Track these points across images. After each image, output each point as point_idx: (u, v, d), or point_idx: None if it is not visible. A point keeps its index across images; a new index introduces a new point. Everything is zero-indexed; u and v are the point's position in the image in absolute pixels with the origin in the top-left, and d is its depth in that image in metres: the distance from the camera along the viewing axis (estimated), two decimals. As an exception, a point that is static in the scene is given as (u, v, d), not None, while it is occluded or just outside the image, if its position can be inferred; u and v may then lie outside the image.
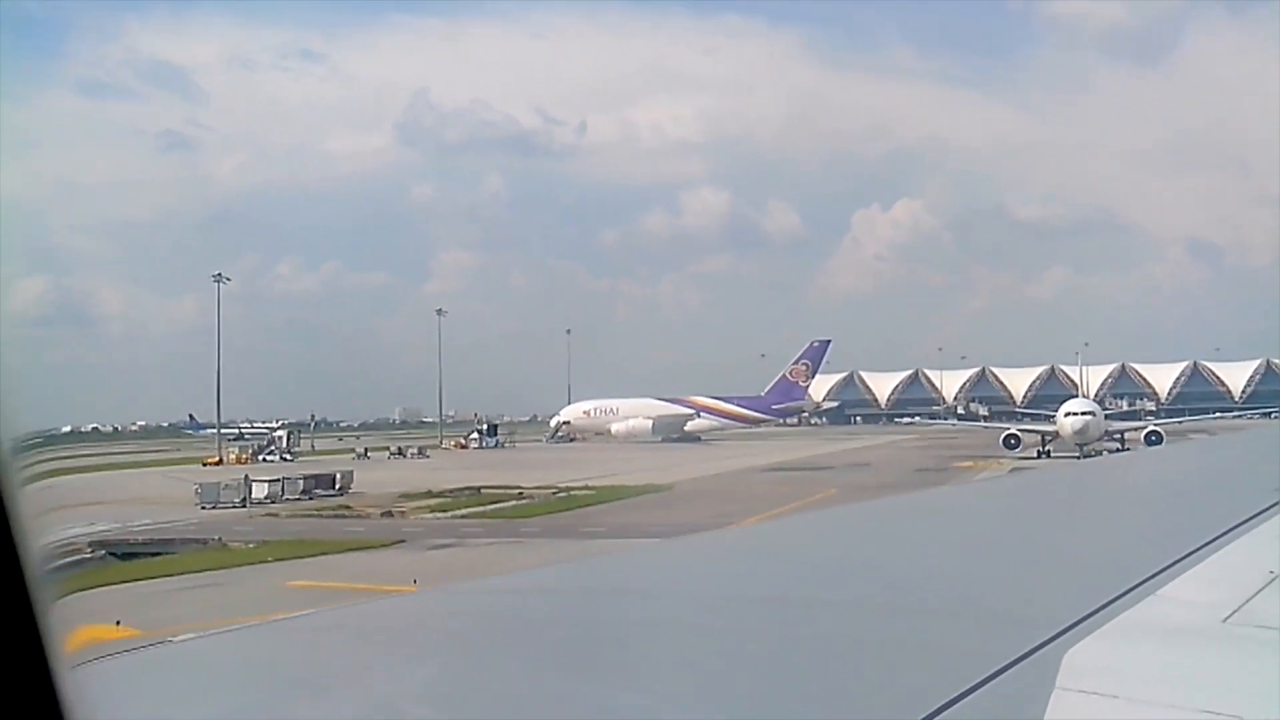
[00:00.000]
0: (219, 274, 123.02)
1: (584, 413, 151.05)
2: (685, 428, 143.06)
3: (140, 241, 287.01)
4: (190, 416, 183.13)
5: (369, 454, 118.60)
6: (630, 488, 65.45)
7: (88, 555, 45.07)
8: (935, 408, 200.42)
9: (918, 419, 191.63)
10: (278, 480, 64.45)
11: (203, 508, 59.54)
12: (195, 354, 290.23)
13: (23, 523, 1.31)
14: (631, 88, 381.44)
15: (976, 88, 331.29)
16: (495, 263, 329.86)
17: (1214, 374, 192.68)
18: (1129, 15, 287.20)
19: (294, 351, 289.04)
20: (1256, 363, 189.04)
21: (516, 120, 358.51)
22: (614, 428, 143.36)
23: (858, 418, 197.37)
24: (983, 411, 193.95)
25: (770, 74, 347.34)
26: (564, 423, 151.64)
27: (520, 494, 65.74)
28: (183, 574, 37.51)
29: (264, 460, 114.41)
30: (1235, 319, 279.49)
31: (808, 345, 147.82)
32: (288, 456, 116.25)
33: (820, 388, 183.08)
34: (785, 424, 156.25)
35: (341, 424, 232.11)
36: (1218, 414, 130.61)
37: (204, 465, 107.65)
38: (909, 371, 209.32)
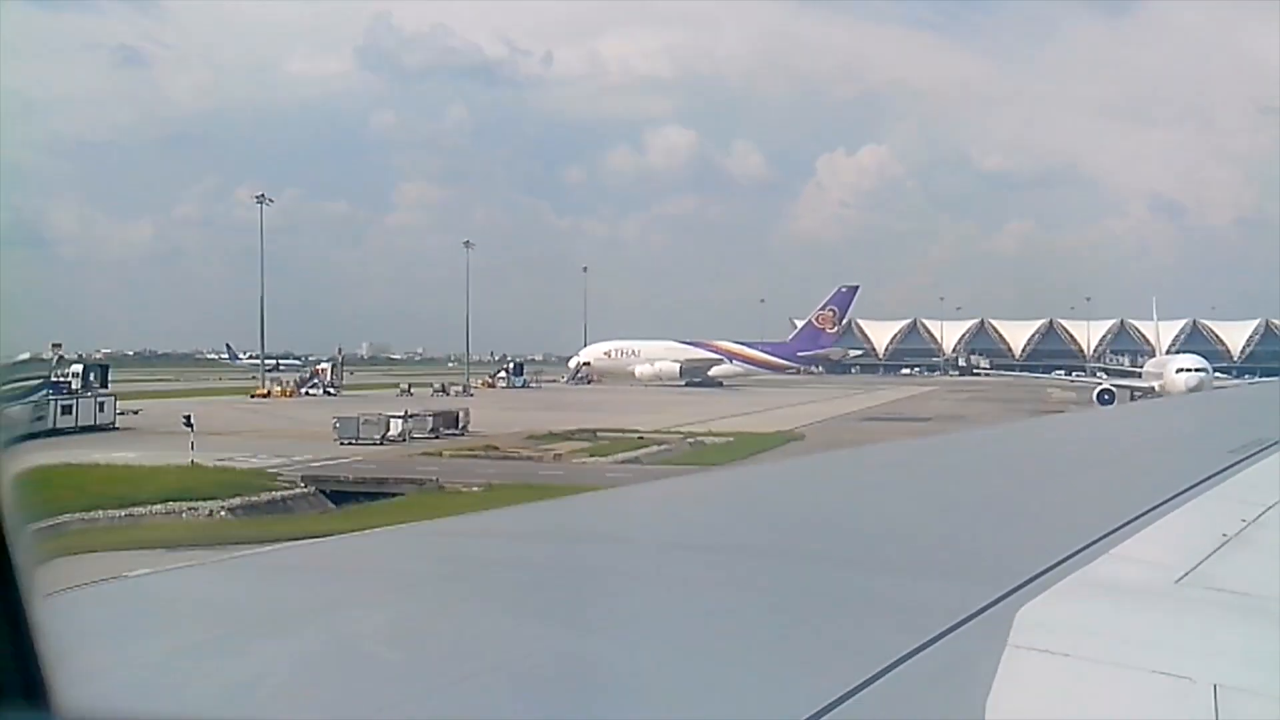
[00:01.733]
0: (261, 195, 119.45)
1: (604, 354, 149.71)
2: (710, 372, 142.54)
3: (95, 160, 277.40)
4: (227, 346, 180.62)
5: (411, 390, 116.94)
6: (765, 435, 64.96)
7: (303, 490, 43.86)
8: (934, 359, 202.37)
9: (919, 369, 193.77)
10: (410, 417, 63.01)
11: (341, 443, 58.26)
12: (154, 279, 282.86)
13: None
14: (600, 19, 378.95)
15: (946, 33, 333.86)
16: (458, 197, 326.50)
17: (1213, 333, 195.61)
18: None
19: (253, 281, 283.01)
20: (1255, 323, 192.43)
21: (480, 48, 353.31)
22: (638, 370, 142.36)
23: (855, 368, 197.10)
24: (984, 364, 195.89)
25: (740, 10, 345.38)
26: (584, 363, 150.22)
27: (640, 437, 65.14)
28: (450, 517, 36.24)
29: (306, 394, 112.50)
30: (1210, 278, 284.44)
31: (834, 291, 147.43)
32: (331, 390, 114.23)
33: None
34: (788, 373, 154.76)
35: (310, 358, 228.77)
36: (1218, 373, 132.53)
37: (251, 397, 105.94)
38: (907, 321, 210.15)
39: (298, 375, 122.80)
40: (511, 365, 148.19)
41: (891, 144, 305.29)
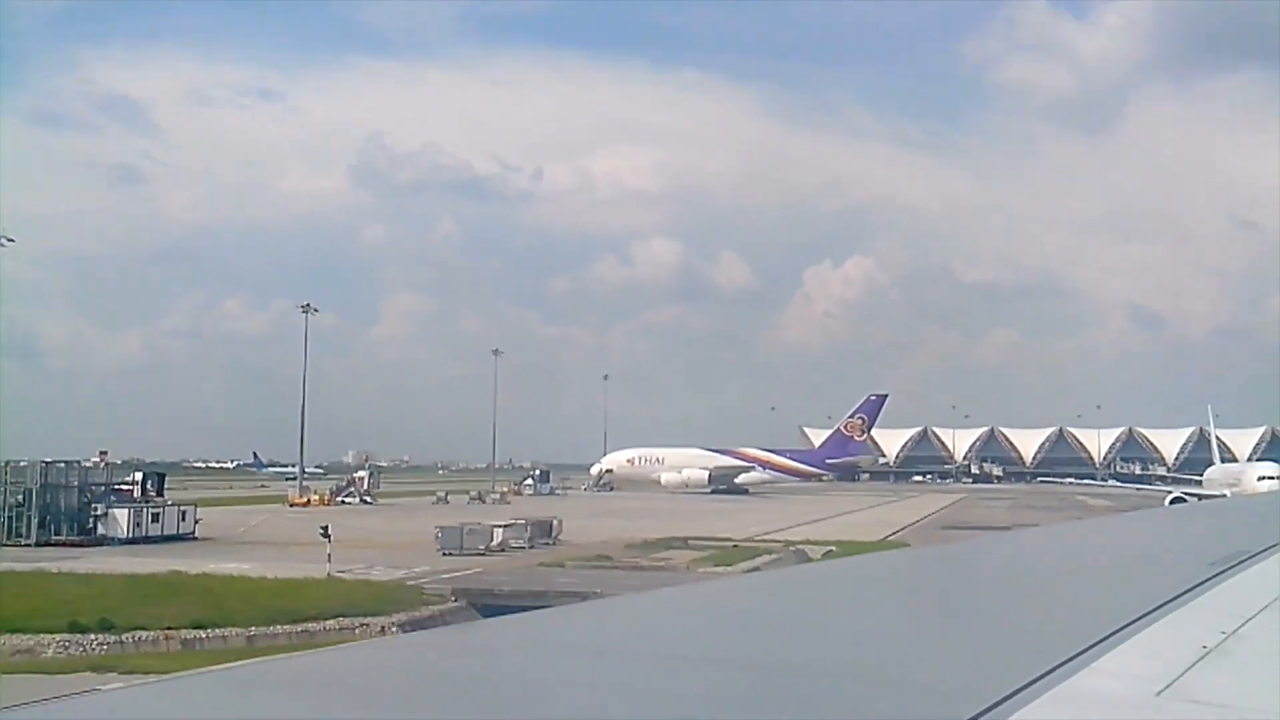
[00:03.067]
0: (307, 304, 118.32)
1: (627, 461, 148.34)
2: (736, 479, 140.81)
3: (87, 274, 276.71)
4: (254, 454, 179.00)
5: (448, 498, 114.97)
6: (870, 544, 63.16)
7: (454, 604, 41.68)
8: (946, 466, 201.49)
9: (931, 476, 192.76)
10: (510, 526, 60.98)
11: (445, 553, 56.07)
12: (141, 389, 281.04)
13: None
14: (589, 137, 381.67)
15: (928, 150, 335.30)
16: (446, 307, 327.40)
17: (1221, 441, 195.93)
18: (1074, 85, 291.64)
19: (239, 391, 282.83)
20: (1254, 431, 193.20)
21: (471, 165, 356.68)
22: (664, 478, 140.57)
23: (866, 475, 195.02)
24: (996, 471, 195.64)
25: (727, 129, 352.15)
26: (607, 470, 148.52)
27: (736, 545, 63.49)
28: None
29: (342, 502, 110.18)
30: (1180, 385, 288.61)
31: (864, 399, 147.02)
32: (368, 499, 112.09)
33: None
34: (813, 481, 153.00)
35: (291, 466, 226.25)
36: None
37: (290, 506, 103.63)
38: (918, 429, 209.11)
39: (333, 485, 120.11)
40: (537, 473, 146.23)
41: (877, 256, 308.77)
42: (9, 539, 62.27)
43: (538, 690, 3.72)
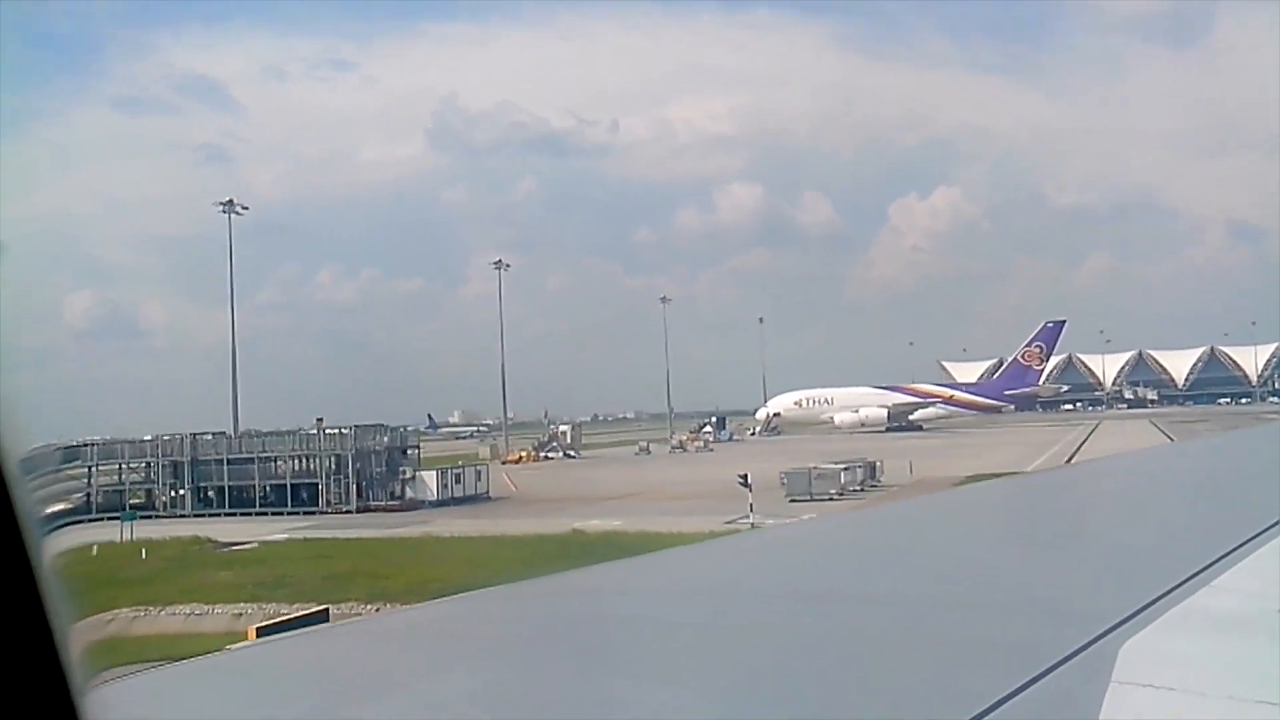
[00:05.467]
0: (499, 260, 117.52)
1: (795, 403, 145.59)
2: (911, 416, 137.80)
3: (181, 254, 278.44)
4: (429, 416, 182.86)
5: (650, 448, 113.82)
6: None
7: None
8: (1096, 393, 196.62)
9: (1082, 404, 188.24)
10: (848, 469, 58.92)
11: (792, 500, 54.22)
12: (241, 363, 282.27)
13: (34, 536, 1.22)
14: (664, 86, 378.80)
15: (1009, 74, 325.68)
16: (532, 264, 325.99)
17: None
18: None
19: (337, 359, 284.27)
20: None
21: (548, 122, 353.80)
22: (838, 418, 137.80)
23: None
24: (1151, 395, 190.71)
25: (803, 67, 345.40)
26: (775, 414, 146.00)
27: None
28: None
29: (546, 457, 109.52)
30: None
31: (1040, 327, 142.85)
32: (572, 453, 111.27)
33: (971, 373, 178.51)
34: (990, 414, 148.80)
35: (407, 428, 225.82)
36: None
37: (503, 464, 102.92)
38: (1063, 356, 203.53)
39: (537, 439, 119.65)
40: (714, 419, 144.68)
41: (964, 185, 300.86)
42: (327, 506, 61.66)
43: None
